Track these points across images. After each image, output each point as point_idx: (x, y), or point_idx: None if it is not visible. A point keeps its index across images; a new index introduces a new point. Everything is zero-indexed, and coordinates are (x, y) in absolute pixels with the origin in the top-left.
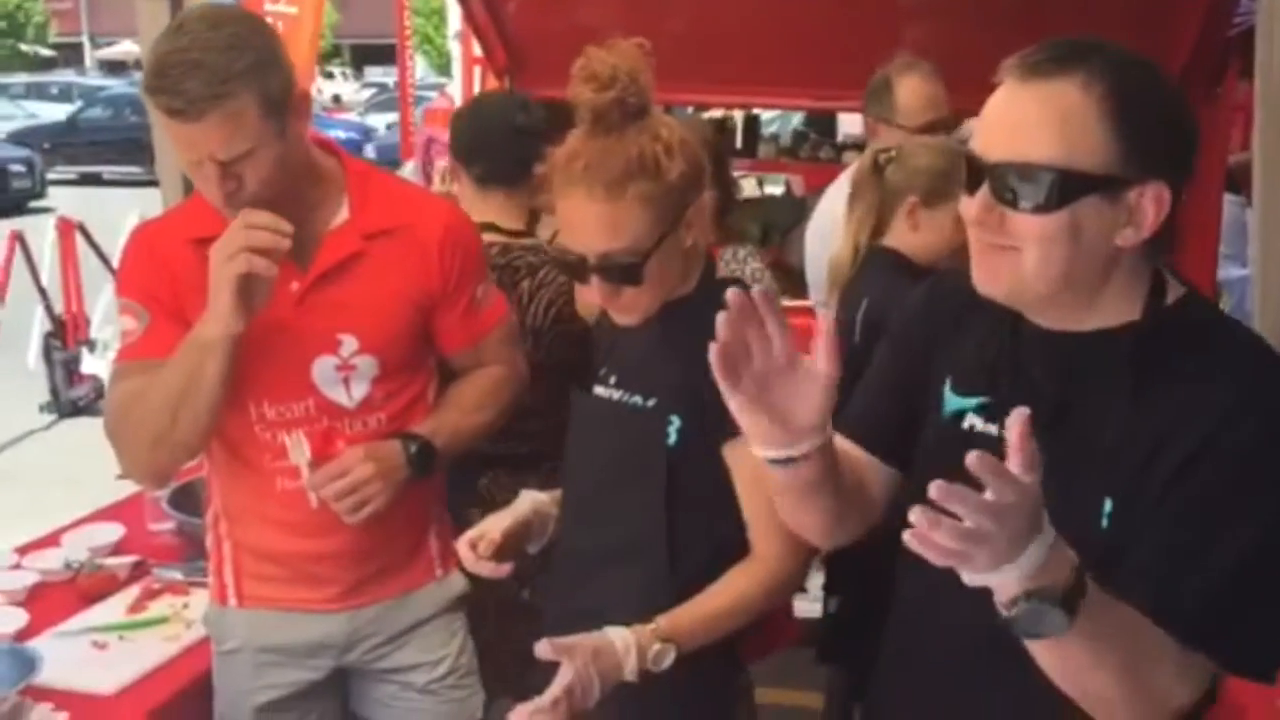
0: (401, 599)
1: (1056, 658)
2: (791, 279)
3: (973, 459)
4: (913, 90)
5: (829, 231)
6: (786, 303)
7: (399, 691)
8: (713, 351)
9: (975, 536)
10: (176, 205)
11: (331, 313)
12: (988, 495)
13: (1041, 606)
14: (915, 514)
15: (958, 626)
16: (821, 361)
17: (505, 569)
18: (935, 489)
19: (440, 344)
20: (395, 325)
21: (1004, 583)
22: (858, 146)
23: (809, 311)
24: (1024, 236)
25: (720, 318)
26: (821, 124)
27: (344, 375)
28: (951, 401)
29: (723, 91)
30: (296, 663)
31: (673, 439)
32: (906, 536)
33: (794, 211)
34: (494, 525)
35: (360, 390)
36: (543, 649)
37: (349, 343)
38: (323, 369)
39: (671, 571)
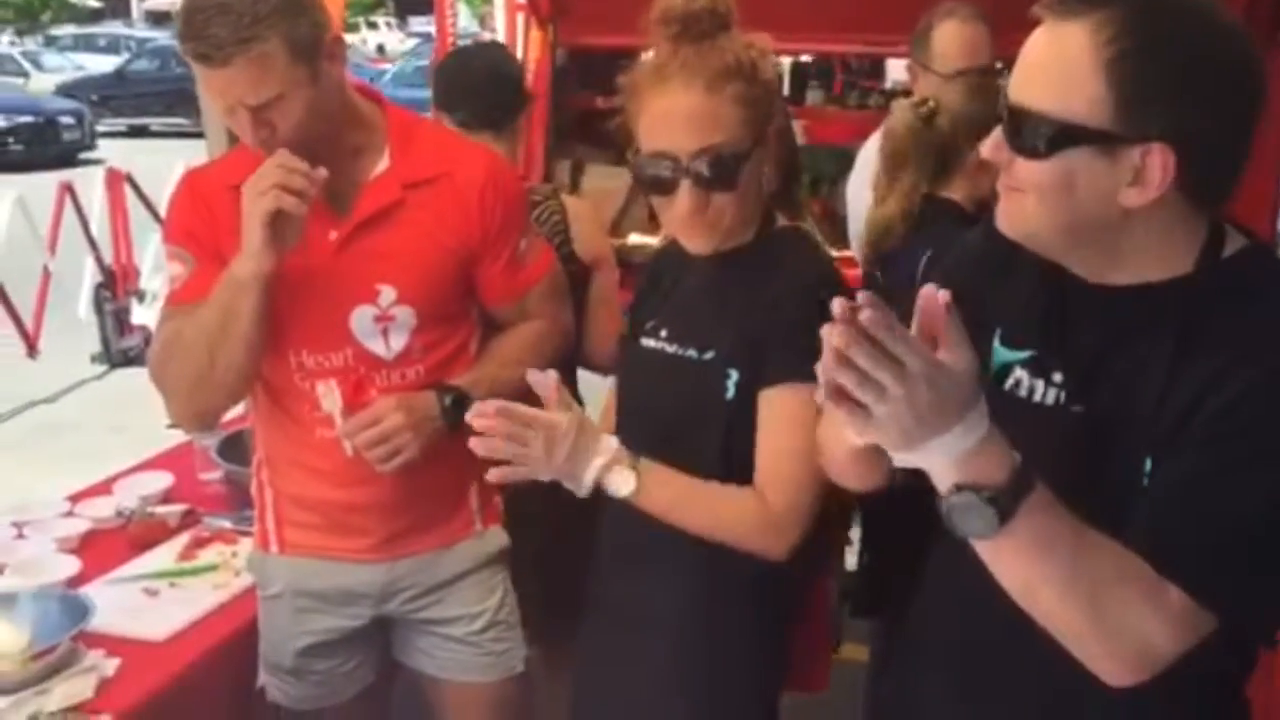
0: (439, 552)
1: (998, 563)
2: (840, 229)
3: (867, 314)
4: (949, 35)
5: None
6: (835, 253)
7: (440, 642)
8: (822, 390)
9: (875, 390)
10: (222, 154)
11: (370, 262)
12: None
13: (971, 500)
14: (821, 368)
15: (980, 587)
16: (951, 353)
17: None
18: (837, 334)
19: (483, 297)
20: (434, 276)
21: (935, 470)
22: (908, 93)
23: (855, 262)
24: (1024, 181)
25: (826, 355)
26: (824, 70)
27: (382, 326)
28: (999, 354)
29: (771, 38)
30: (334, 610)
31: (730, 393)
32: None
33: (842, 161)
34: None
35: (399, 341)
36: (535, 379)
37: (387, 293)
38: (361, 319)
39: None
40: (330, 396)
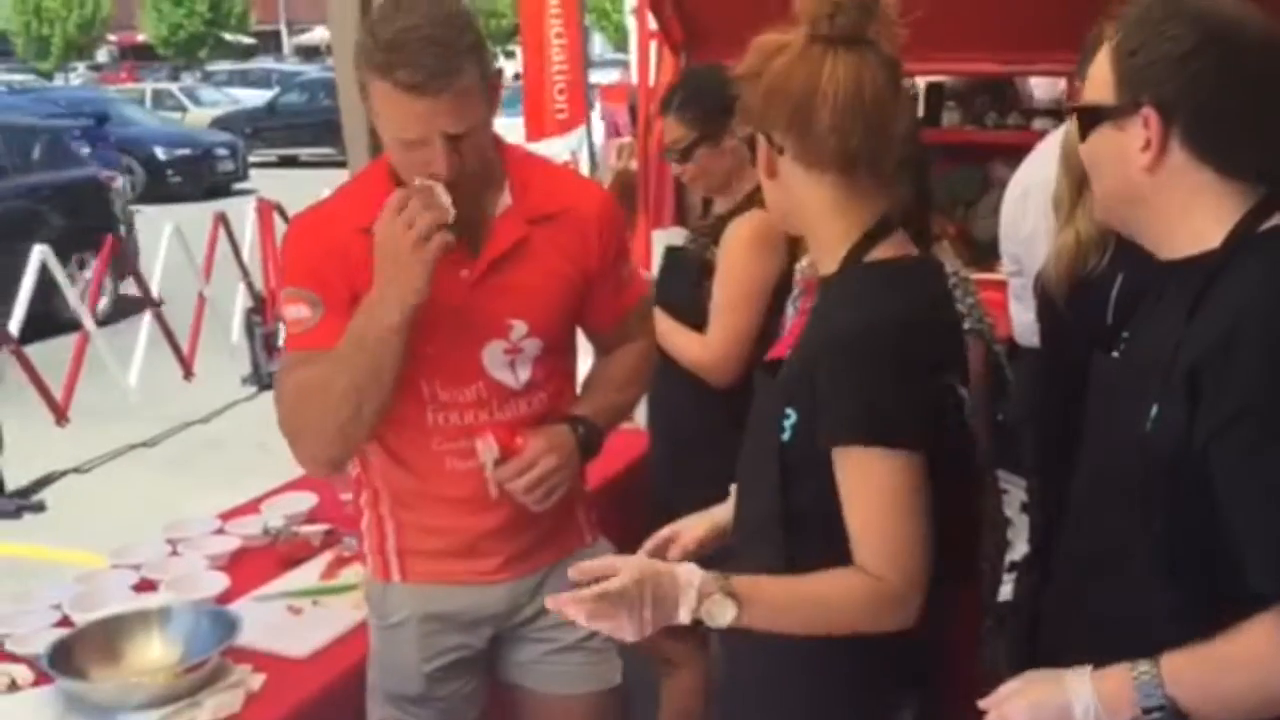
0: (555, 566)
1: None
2: (978, 251)
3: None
4: None
5: (1034, 200)
6: (977, 275)
7: (545, 652)
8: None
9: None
10: (330, 196)
11: (502, 298)
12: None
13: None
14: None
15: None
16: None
17: None
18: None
19: (590, 322)
20: (560, 308)
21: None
22: (1049, 113)
23: (1000, 285)
24: (1088, 167)
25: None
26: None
27: (511, 358)
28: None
29: (904, 58)
30: (461, 630)
31: (787, 435)
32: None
33: (978, 183)
34: (689, 530)
35: (525, 372)
36: (602, 563)
37: (519, 327)
38: (492, 353)
39: (789, 569)
40: (489, 452)
